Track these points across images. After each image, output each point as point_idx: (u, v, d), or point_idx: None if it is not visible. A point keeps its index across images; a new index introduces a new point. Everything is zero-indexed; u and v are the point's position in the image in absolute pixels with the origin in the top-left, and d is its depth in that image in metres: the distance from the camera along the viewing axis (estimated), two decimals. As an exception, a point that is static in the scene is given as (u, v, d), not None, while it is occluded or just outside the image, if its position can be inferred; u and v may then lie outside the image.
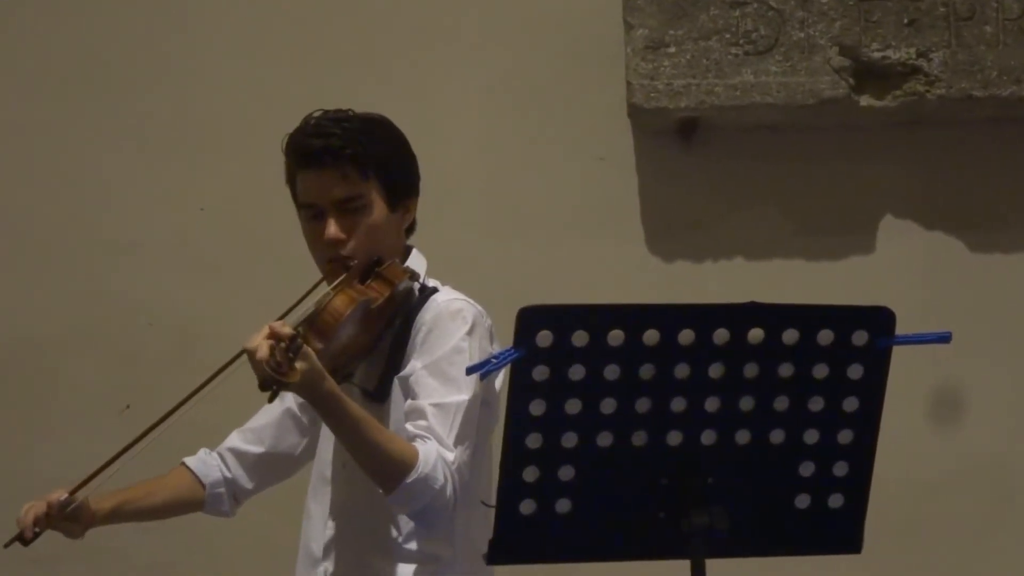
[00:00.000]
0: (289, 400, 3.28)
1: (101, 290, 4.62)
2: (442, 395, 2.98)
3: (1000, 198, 4.65)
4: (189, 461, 3.31)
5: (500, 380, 3.06)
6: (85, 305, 4.62)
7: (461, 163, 4.58)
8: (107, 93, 4.65)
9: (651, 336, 2.58)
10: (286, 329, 2.82)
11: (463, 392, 2.99)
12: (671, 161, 4.62)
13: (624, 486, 2.64)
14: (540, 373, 2.56)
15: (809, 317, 2.63)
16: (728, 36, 4.51)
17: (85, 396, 4.61)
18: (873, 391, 2.68)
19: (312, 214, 3.11)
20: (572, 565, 2.70)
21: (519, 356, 2.54)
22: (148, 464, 3.07)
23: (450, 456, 2.94)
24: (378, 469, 2.93)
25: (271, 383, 2.78)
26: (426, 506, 2.94)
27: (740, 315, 2.61)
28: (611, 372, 2.58)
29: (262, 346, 2.78)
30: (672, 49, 4.50)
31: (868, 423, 2.69)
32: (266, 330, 2.81)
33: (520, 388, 2.57)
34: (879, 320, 2.65)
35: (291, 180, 3.16)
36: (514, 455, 2.60)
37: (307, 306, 3.00)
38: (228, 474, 3.31)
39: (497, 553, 2.65)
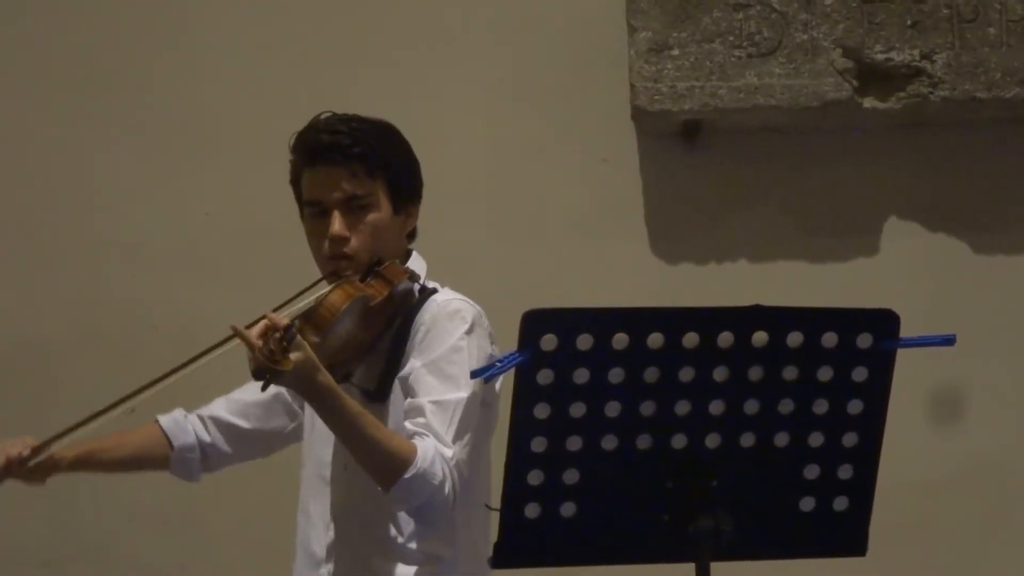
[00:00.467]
0: None
1: (104, 293, 4.62)
2: (441, 393, 2.98)
3: (1004, 200, 4.64)
4: (162, 420, 3.32)
5: (500, 381, 3.05)
6: (88, 308, 4.62)
7: (465, 165, 4.58)
8: (112, 96, 4.65)
9: (655, 339, 2.58)
10: (282, 320, 2.84)
11: (462, 390, 2.99)
12: (675, 163, 4.62)
13: (629, 489, 2.65)
14: (544, 377, 2.56)
15: (813, 320, 2.63)
16: (732, 38, 4.51)
17: (88, 399, 4.52)
18: (877, 394, 2.68)
19: (317, 211, 3.12)
20: (577, 569, 2.70)
21: (523, 360, 2.54)
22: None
23: (448, 452, 2.94)
24: (376, 465, 2.93)
25: (265, 372, 2.79)
26: (425, 503, 2.94)
27: (744, 318, 2.61)
28: (615, 375, 2.58)
29: (255, 332, 2.81)
30: (676, 51, 4.50)
31: (872, 426, 2.69)
32: (263, 320, 2.84)
33: (524, 392, 2.57)
34: (883, 323, 2.65)
35: (296, 180, 3.17)
36: (519, 459, 2.60)
37: (307, 303, 3.02)
38: (207, 439, 3.31)
39: (502, 557, 2.65)
